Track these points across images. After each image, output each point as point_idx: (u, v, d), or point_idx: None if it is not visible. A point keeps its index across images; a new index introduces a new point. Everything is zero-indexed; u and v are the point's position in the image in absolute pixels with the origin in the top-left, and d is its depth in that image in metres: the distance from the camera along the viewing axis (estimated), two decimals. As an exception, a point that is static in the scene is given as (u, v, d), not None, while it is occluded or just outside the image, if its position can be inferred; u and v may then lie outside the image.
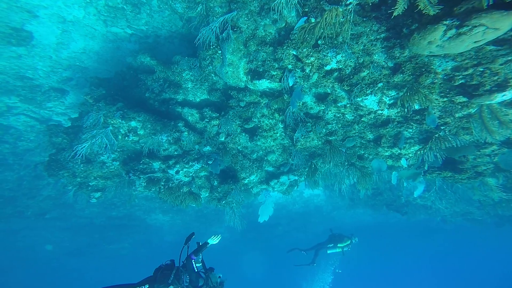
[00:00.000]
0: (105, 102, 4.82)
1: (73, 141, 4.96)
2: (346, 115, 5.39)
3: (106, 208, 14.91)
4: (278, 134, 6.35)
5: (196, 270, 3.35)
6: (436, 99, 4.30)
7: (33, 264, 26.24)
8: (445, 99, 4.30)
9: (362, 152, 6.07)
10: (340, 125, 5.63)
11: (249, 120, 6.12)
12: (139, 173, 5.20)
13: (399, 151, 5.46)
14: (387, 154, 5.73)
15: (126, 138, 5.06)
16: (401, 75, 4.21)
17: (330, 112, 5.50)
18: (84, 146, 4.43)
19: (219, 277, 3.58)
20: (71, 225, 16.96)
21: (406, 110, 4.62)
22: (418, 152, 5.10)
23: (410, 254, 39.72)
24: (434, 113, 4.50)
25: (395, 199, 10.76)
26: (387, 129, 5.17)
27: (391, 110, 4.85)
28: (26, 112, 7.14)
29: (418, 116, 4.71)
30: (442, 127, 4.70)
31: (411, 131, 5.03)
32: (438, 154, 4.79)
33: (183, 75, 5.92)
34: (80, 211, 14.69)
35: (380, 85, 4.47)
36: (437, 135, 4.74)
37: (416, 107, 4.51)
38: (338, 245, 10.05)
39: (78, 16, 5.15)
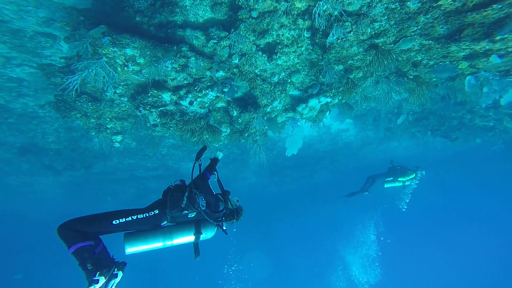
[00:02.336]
0: (85, 27, 3.94)
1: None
2: (408, 3, 3.82)
3: (140, 159, 15.90)
4: (303, 48, 5.09)
5: (214, 193, 2.87)
6: None
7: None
8: None
9: (420, 58, 4.61)
10: (393, 22, 4.13)
11: (266, 33, 4.88)
12: (149, 107, 4.67)
13: (490, 46, 3.91)
14: (463, 54, 4.23)
15: (126, 68, 4.36)
16: None
17: (379, 5, 3.97)
18: (75, 78, 3.87)
19: (237, 200, 3.07)
20: (118, 178, 18.67)
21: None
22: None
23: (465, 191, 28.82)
24: None
25: (444, 122, 9.16)
26: (487, 12, 3.52)
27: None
28: (27, 63, 6.70)
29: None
30: None
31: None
32: None
33: (178, -14, 4.62)
34: (120, 163, 15.91)
35: None
36: None
37: None
38: (399, 179, 8.76)
39: None
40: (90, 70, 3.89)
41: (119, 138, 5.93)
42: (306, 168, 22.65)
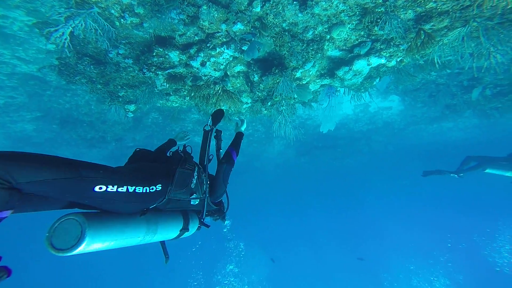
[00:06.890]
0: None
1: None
2: None
3: (168, 134, 16.15)
4: (352, -14, 3.71)
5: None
6: None
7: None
8: None
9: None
10: None
11: (300, -36, 3.61)
12: (154, 68, 3.97)
13: None
14: None
15: (123, 20, 3.62)
16: None
17: None
18: (59, 32, 3.24)
19: None
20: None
21: None
22: None
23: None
24: None
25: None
26: None
27: None
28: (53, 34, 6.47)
29: None
30: None
31: None
32: None
33: None
34: (149, 138, 16.39)
35: None
36: None
37: None
38: None
39: None
40: (76, 22, 3.23)
41: (132, 107, 5.48)
42: (337, 149, 20.98)
